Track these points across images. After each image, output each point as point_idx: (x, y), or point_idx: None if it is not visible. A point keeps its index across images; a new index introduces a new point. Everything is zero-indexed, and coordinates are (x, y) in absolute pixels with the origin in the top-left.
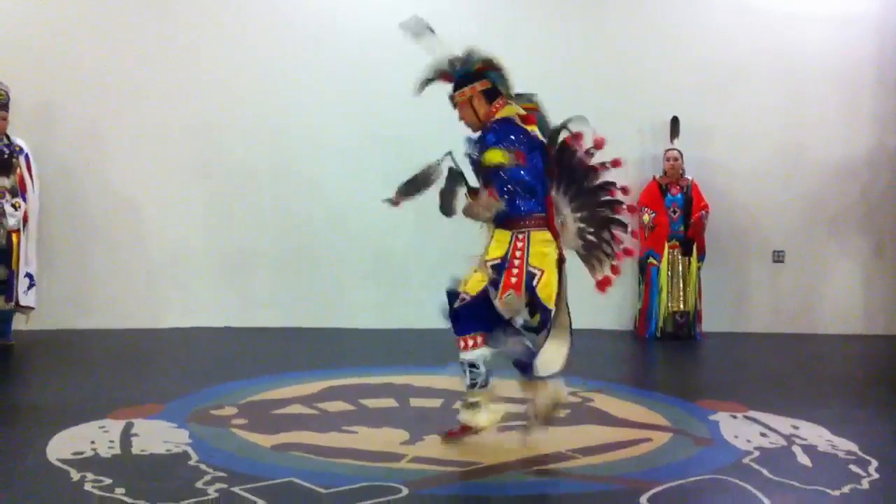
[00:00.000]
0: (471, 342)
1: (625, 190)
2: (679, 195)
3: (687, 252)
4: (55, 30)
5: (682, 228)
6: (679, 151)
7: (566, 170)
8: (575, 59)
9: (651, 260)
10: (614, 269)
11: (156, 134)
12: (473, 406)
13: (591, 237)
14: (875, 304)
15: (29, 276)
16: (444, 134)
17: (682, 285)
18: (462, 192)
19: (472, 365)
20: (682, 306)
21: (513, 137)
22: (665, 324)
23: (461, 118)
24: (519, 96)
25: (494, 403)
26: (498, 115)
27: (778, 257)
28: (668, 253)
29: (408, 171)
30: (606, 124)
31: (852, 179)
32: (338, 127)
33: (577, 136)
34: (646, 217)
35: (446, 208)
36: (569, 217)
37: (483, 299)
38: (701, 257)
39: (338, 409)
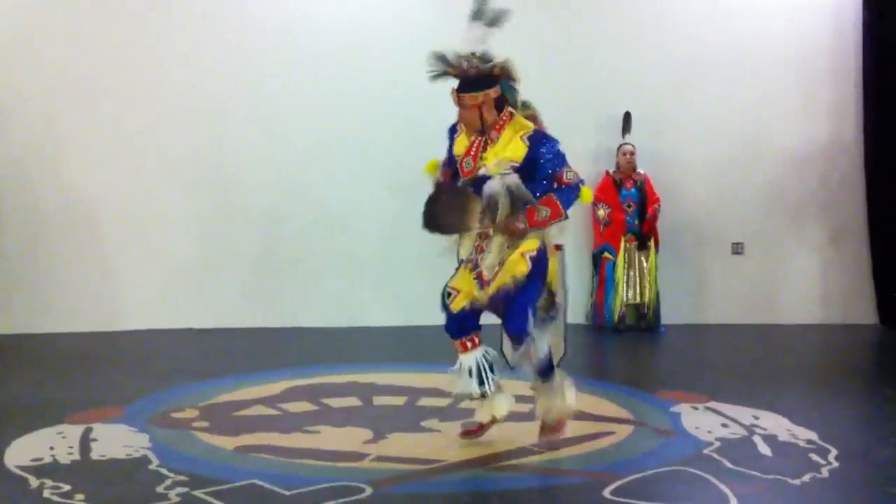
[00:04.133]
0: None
1: None
2: (633, 189)
3: (643, 246)
4: (7, 23)
5: (637, 223)
6: (633, 146)
7: None
8: (534, 52)
9: (606, 255)
10: None
11: (113, 132)
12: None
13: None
14: (834, 293)
15: None
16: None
17: (638, 279)
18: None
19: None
20: (639, 299)
21: (561, 152)
22: (626, 316)
23: (462, 118)
24: (523, 105)
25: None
26: (517, 126)
27: (737, 249)
28: (625, 247)
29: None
30: (565, 117)
31: (810, 170)
32: (306, 125)
33: None
34: (601, 212)
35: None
36: None
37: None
38: (656, 250)
39: (300, 410)
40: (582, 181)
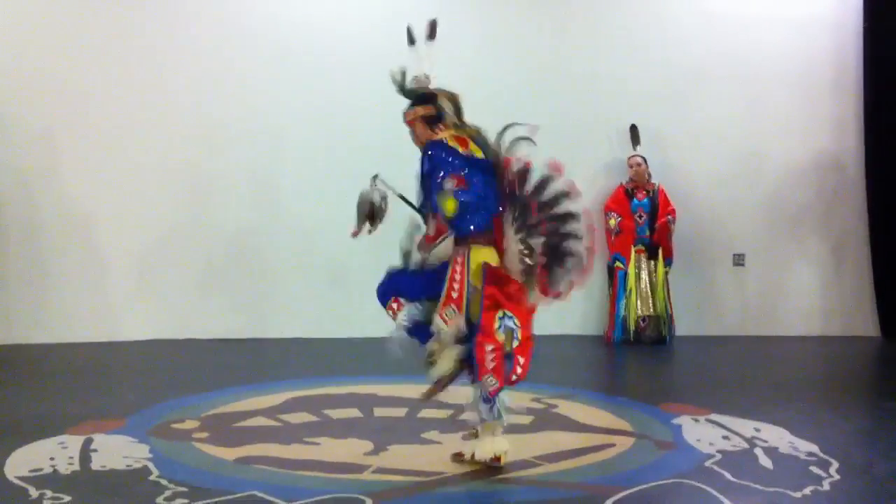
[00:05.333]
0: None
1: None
2: (645, 200)
3: (652, 256)
4: (5, 35)
5: (647, 233)
6: (643, 157)
7: (513, 194)
8: (540, 69)
9: (618, 264)
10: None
11: (110, 143)
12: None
13: (533, 260)
14: (834, 305)
15: None
16: (404, 145)
17: (649, 289)
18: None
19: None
20: (650, 310)
21: (449, 161)
22: (635, 327)
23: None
24: (462, 126)
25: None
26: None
27: (738, 261)
28: (635, 257)
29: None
30: (574, 132)
31: (810, 182)
32: (302, 138)
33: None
34: (612, 221)
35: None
36: (511, 240)
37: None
38: (668, 262)
39: (301, 421)
40: (457, 193)
